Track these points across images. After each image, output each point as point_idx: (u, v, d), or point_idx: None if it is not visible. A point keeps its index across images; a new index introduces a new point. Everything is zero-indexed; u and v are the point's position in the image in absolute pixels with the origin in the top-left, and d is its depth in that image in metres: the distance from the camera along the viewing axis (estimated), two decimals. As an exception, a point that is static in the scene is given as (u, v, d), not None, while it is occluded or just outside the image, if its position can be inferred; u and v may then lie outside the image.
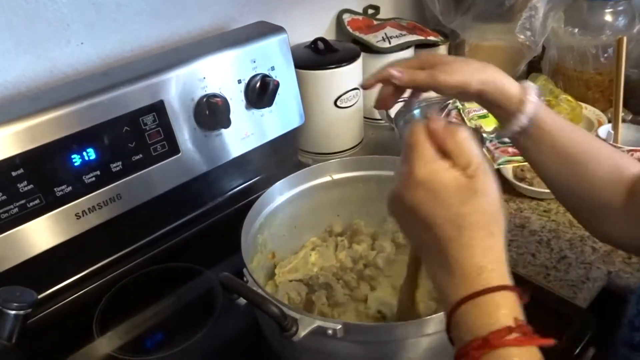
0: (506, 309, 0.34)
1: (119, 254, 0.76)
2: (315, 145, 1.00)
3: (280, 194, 0.65)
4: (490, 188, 0.38)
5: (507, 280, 0.36)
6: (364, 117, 1.07)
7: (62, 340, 0.67)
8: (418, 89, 0.58)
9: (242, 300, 0.47)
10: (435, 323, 0.45)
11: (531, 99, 0.51)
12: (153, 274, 0.76)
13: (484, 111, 0.83)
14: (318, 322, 0.44)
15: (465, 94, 0.53)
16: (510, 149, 0.81)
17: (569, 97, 0.96)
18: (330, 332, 0.44)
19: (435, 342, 0.46)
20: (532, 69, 1.11)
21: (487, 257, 0.36)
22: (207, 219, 0.85)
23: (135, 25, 0.81)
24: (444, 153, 0.39)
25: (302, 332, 0.44)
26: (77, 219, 0.68)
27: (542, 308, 0.66)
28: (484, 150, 0.58)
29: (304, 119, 0.92)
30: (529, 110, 0.51)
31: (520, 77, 1.07)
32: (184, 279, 0.76)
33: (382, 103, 0.59)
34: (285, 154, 0.96)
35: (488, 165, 0.39)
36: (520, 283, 0.69)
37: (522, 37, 0.99)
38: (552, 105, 0.93)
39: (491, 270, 0.36)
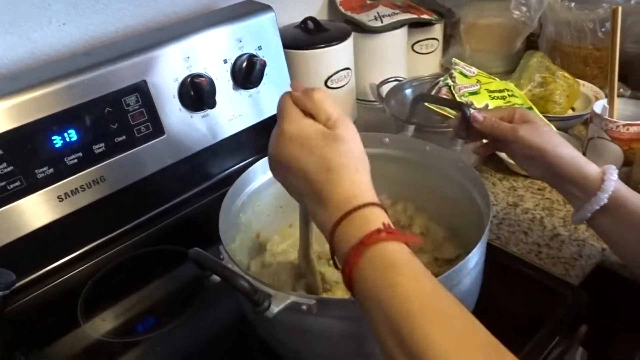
0: (375, 218, 0.38)
1: (105, 237, 0.75)
2: (307, 127, 0.99)
3: (263, 173, 0.64)
4: (351, 135, 0.43)
5: (375, 200, 0.40)
6: (357, 99, 1.05)
7: (46, 326, 0.67)
8: (495, 138, 0.60)
9: (216, 277, 0.45)
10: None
11: (612, 178, 0.53)
12: (140, 258, 0.75)
13: (475, 87, 0.81)
14: (292, 298, 0.43)
15: (539, 160, 0.56)
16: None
17: (566, 74, 0.93)
18: (304, 307, 0.43)
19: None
20: (530, 47, 1.08)
21: (355, 187, 0.40)
22: (197, 201, 0.84)
23: (119, 5, 0.79)
24: (308, 113, 0.44)
25: (276, 308, 0.42)
26: (60, 201, 0.67)
27: (535, 286, 0.65)
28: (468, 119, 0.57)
29: (294, 99, 0.90)
30: (608, 189, 0.52)
31: (516, 55, 1.05)
32: (172, 262, 0.75)
33: (454, 132, 0.63)
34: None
35: (347, 118, 0.44)
36: (512, 261, 0.69)
37: (517, 12, 0.96)
38: (548, 82, 0.91)
39: (358, 196, 0.39)
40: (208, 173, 0.86)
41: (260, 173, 0.64)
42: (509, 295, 0.63)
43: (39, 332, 0.66)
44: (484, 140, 0.63)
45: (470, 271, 0.49)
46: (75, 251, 0.73)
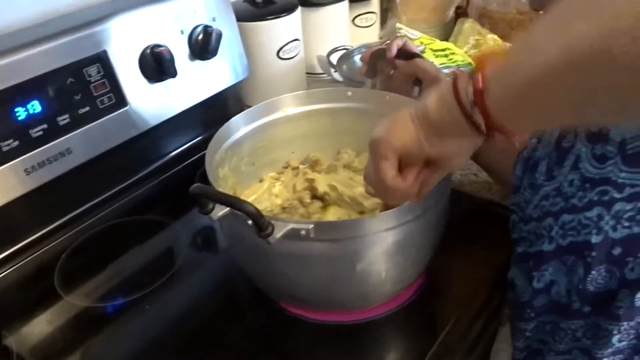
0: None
1: (75, 211, 0.74)
2: (259, 99, 1.01)
3: (237, 129, 0.66)
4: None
5: None
6: (306, 73, 1.09)
7: (25, 302, 0.66)
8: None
9: (214, 215, 0.48)
10: (397, 217, 0.48)
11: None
12: (111, 230, 0.75)
13: (421, 48, 0.88)
14: (291, 225, 0.47)
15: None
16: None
17: (495, 37, 1.02)
18: (303, 232, 0.47)
19: (401, 234, 0.50)
20: (459, 17, 1.17)
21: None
22: (161, 175, 0.85)
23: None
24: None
25: (278, 234, 0.46)
26: (27, 174, 0.66)
27: (492, 217, 0.72)
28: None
29: (249, 70, 0.93)
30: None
31: (449, 24, 1.13)
32: (144, 232, 0.76)
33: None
34: (233, 109, 0.97)
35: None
36: (467, 199, 0.75)
37: (448, -17, 1.04)
38: (480, 44, 0.99)
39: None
40: (171, 146, 0.87)
41: (234, 129, 0.66)
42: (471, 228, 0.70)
43: (18, 308, 0.65)
44: None
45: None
46: (46, 226, 0.72)
